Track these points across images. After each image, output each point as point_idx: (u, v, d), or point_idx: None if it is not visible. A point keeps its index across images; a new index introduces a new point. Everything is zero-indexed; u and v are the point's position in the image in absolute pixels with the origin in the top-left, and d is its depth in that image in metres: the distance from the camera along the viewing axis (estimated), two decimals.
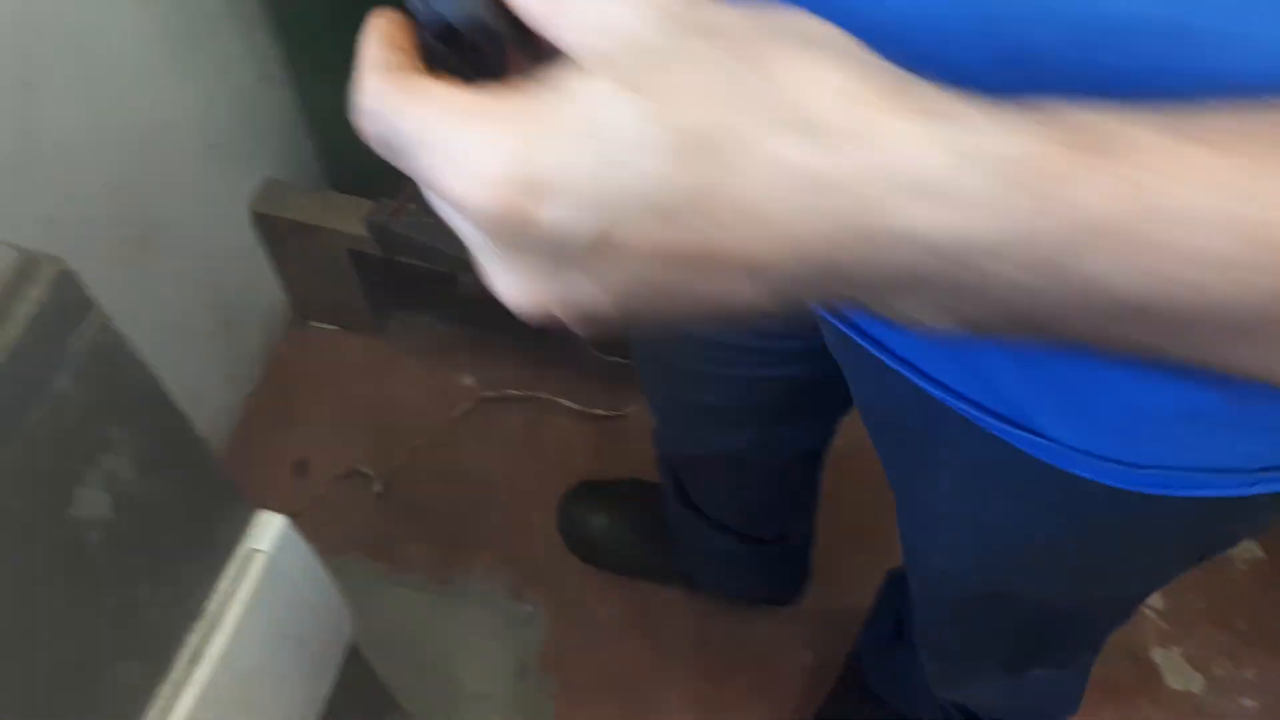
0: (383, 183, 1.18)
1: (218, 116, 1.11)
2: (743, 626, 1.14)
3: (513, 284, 0.24)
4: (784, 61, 0.21)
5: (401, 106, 0.23)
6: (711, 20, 0.22)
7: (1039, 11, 0.28)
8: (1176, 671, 1.13)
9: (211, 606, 0.61)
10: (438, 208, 0.24)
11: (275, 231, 1.21)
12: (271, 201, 1.19)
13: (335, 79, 0.38)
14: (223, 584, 0.62)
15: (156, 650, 0.59)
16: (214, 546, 0.62)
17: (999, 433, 0.44)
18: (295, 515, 0.65)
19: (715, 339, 0.68)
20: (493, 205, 0.21)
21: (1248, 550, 1.19)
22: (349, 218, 1.17)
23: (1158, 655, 1.13)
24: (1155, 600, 1.16)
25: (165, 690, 0.58)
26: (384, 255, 1.11)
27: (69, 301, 0.47)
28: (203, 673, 0.59)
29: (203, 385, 1.20)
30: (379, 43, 0.24)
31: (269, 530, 0.64)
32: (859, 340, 0.48)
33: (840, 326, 0.49)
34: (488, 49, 0.25)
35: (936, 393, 0.45)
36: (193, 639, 0.60)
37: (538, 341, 1.28)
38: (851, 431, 0.74)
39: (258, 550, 0.63)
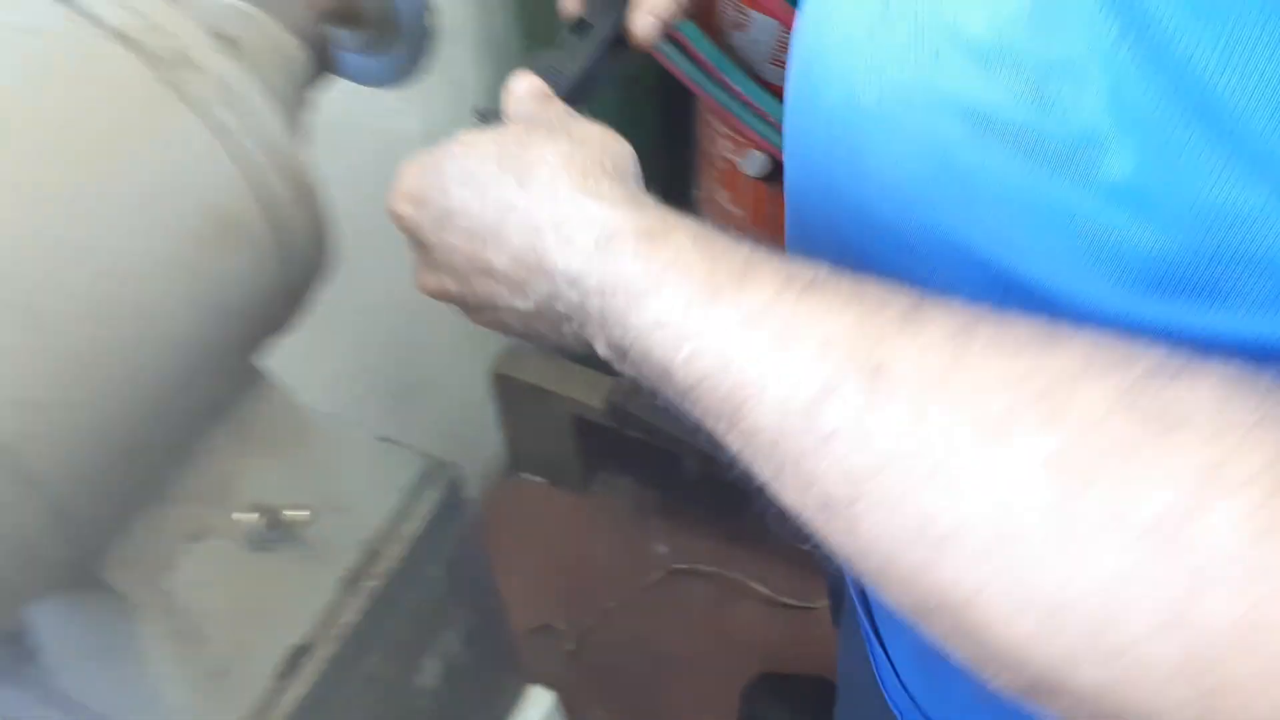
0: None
1: None
2: None
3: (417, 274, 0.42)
4: (532, 152, 0.36)
5: None
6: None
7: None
8: None
9: None
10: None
11: (510, 391, 1.32)
12: (511, 364, 1.31)
13: None
14: None
15: None
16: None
17: None
18: None
19: None
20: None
21: None
22: (577, 386, 1.27)
23: None
24: None
25: None
26: (616, 428, 1.20)
27: (455, 502, 0.56)
28: None
29: None
30: None
31: (540, 705, 0.69)
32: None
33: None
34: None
35: None
36: None
37: (732, 517, 1.33)
38: None
39: None
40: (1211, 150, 0.24)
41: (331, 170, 0.48)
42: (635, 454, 1.32)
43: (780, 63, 0.93)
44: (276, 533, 0.46)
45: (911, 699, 0.47)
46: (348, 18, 0.51)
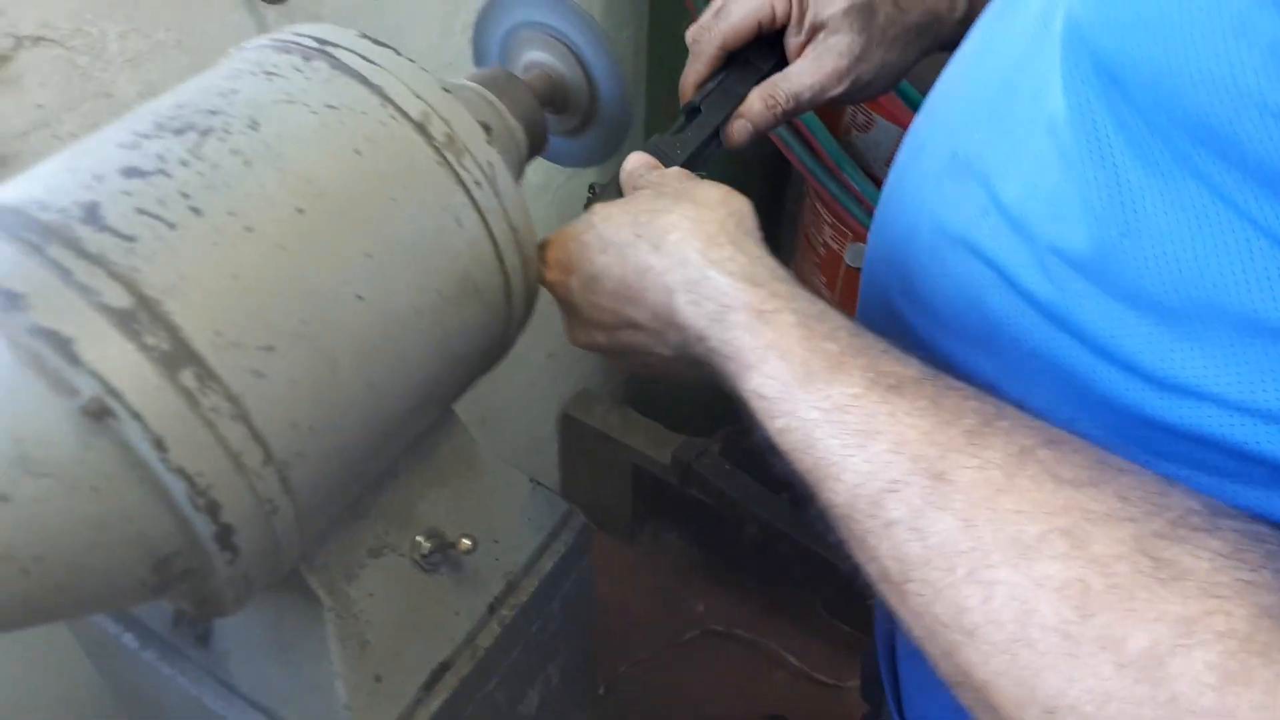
0: (670, 416, 1.34)
1: (559, 332, 1.30)
2: None
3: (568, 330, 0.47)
4: (663, 218, 0.42)
5: None
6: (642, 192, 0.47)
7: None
8: None
9: None
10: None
11: (575, 433, 1.37)
12: (580, 408, 1.37)
13: None
14: None
15: None
16: None
17: None
18: None
19: None
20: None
21: None
22: (641, 438, 1.32)
23: None
24: None
25: None
26: (676, 484, 1.24)
27: (580, 545, 0.60)
28: None
29: None
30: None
31: None
32: None
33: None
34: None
35: None
36: None
37: (773, 587, 1.36)
38: None
39: None
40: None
41: None
42: (690, 512, 1.36)
43: None
44: (441, 556, 0.51)
45: None
46: (559, 105, 0.57)
